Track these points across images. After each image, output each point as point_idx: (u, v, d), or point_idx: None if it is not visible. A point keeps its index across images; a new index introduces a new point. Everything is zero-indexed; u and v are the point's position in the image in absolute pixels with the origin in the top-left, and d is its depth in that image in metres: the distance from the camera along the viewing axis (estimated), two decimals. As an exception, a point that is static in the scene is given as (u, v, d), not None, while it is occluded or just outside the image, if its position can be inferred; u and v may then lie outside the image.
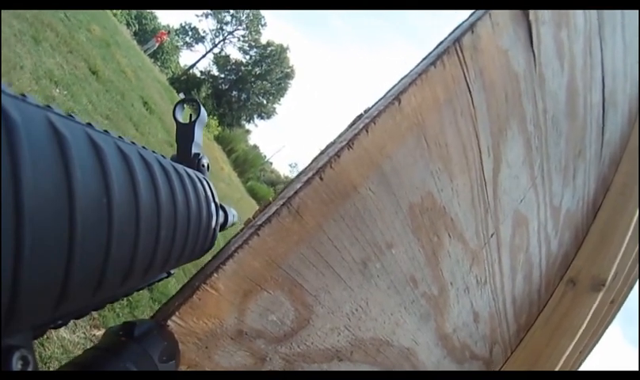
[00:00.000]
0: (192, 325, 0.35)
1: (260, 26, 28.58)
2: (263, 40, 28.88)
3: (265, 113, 29.95)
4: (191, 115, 0.40)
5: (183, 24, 28.96)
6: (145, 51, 12.63)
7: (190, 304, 0.34)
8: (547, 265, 1.00)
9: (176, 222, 0.24)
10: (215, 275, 0.35)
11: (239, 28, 28.95)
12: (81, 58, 4.05)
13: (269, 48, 28.57)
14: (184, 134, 0.39)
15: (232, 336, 0.39)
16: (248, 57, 29.20)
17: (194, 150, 0.38)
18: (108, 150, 0.18)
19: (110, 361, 0.25)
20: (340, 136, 0.44)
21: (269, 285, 0.39)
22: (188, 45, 29.55)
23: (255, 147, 29.16)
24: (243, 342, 0.40)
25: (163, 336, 0.30)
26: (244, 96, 29.24)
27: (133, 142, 0.23)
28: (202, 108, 0.40)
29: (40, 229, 0.14)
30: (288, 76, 29.42)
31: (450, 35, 0.49)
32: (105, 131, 0.21)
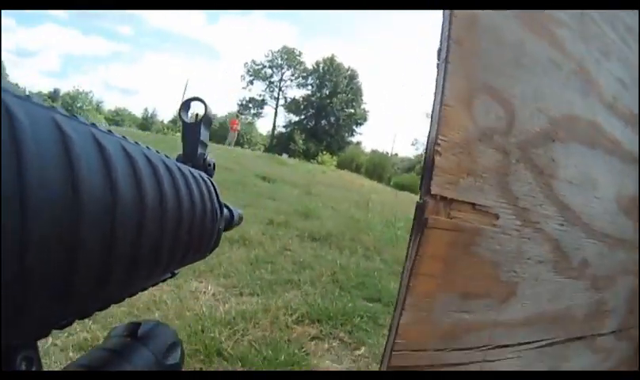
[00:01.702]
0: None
1: (297, 57, 29.48)
2: (309, 65, 30.01)
3: (361, 118, 30.63)
4: (197, 114, 0.40)
5: (239, 103, 30.95)
6: (229, 145, 12.74)
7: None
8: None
9: (180, 221, 0.25)
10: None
11: (283, 70, 29.95)
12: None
13: (320, 67, 29.65)
14: (190, 133, 0.39)
15: (479, 137, 0.49)
16: (310, 86, 30.66)
17: (200, 150, 0.38)
18: (112, 149, 0.19)
19: (114, 361, 0.25)
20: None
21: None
22: (257, 115, 31.00)
23: (375, 151, 30.11)
24: (486, 140, 0.50)
25: (167, 335, 0.30)
26: (332, 118, 30.37)
27: (137, 143, 0.24)
28: (208, 108, 0.40)
29: (46, 227, 0.14)
30: (353, 77, 30.11)
31: None
32: (109, 130, 0.21)
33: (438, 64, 0.50)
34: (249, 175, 6.08)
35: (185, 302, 1.59)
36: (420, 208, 0.48)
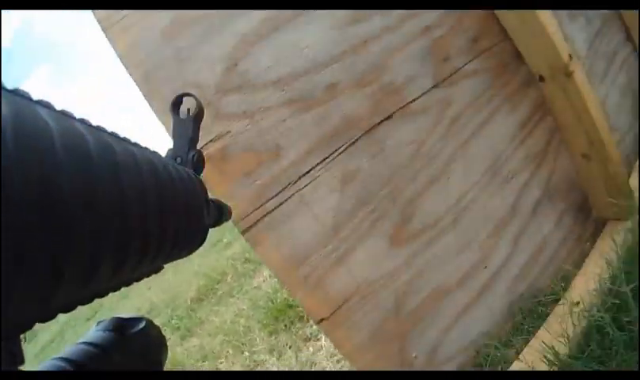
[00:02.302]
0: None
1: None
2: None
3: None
4: (188, 109, 0.40)
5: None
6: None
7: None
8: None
9: (163, 215, 0.25)
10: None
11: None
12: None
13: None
14: (181, 129, 0.39)
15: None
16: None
17: (190, 145, 0.39)
18: (97, 143, 0.19)
19: (99, 356, 0.25)
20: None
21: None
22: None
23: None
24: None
25: (152, 331, 0.31)
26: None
27: (125, 138, 0.25)
28: (199, 104, 0.40)
29: (29, 216, 0.14)
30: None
31: None
32: (99, 126, 0.22)
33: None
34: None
35: (254, 296, 2.20)
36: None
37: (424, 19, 0.99)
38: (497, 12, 1.00)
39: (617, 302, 0.88)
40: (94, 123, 0.23)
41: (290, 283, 0.92)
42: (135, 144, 0.26)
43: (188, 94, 0.43)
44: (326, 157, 0.94)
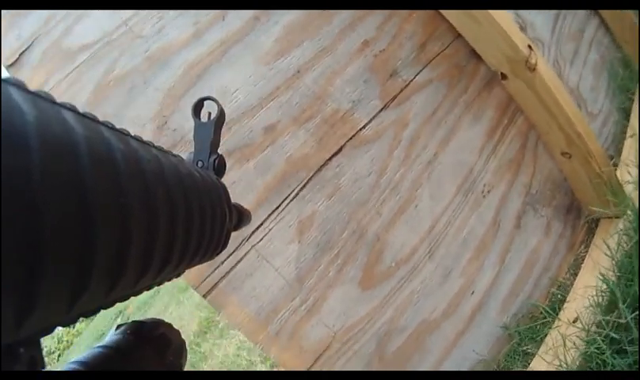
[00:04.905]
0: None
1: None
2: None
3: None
4: (209, 113, 0.40)
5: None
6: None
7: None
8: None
9: (189, 223, 0.25)
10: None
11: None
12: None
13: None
14: (202, 132, 0.39)
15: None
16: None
17: (211, 150, 0.39)
18: (124, 149, 0.19)
19: (117, 360, 0.25)
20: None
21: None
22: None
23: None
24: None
25: (171, 335, 0.30)
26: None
27: (148, 142, 0.24)
28: (221, 107, 0.40)
29: (57, 230, 0.14)
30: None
31: None
32: (122, 129, 0.21)
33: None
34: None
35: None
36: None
37: (360, 33, 0.89)
38: (443, 10, 0.90)
39: (616, 321, 0.78)
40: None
41: (261, 342, 0.87)
42: (159, 148, 0.25)
43: (209, 98, 0.42)
44: (277, 207, 0.86)
